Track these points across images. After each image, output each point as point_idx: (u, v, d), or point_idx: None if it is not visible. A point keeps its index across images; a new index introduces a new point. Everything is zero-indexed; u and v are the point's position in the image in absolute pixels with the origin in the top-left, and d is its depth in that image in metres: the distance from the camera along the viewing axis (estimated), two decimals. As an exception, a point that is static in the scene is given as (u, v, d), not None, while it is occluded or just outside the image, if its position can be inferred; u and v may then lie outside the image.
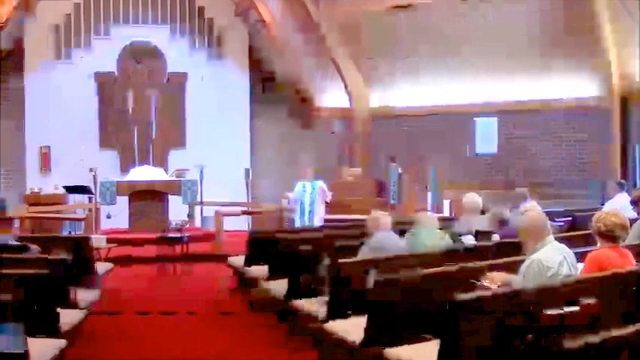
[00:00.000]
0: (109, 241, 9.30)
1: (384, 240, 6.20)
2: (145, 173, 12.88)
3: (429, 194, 12.89)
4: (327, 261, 6.07)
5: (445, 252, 6.03)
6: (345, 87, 15.64)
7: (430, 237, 6.39)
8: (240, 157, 15.35)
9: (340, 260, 5.53)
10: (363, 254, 6.12)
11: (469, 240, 6.98)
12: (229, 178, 14.73)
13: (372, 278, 4.97)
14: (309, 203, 11.63)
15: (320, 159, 16.19)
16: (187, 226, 11.08)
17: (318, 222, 11.28)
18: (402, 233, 6.68)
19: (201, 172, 13.05)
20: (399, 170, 13.35)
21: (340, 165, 15.67)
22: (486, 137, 14.59)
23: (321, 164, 16.01)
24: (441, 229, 6.57)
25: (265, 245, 7.70)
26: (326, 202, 11.93)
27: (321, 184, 11.82)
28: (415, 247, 6.30)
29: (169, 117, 15.36)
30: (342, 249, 6.47)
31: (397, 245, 6.26)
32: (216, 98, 15.34)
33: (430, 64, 14.57)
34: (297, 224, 11.46)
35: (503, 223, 6.69)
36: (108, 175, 13.04)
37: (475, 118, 14.66)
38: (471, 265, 5.16)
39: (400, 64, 14.96)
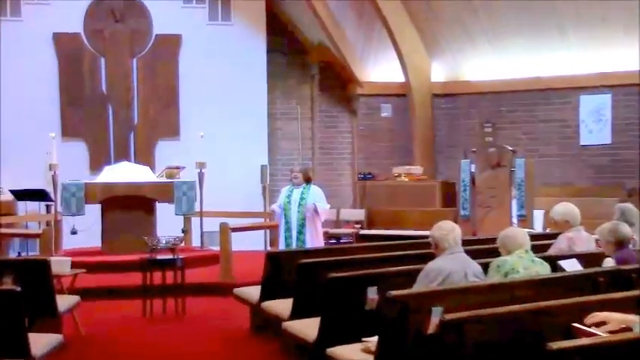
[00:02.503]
0: (74, 265, 9.32)
1: (452, 264, 6.14)
2: (123, 173, 12.96)
3: (514, 202, 12.76)
4: (373, 293, 6.03)
5: (539, 282, 5.95)
6: (399, 55, 15.57)
7: (520, 261, 6.31)
8: (254, 150, 15.39)
9: (392, 292, 5.48)
10: (423, 284, 6.07)
11: (572, 266, 6.88)
12: (239, 179, 14.76)
13: (435, 318, 4.92)
14: (297, 220, 10.78)
15: (364, 152, 16.16)
16: (182, 244, 11.09)
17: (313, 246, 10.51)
18: (476, 255, 6.62)
19: (201, 171, 13.09)
20: (473, 169, 13.24)
21: (391, 161, 15.61)
22: (596, 121, 14.41)
23: (366, 159, 16.00)
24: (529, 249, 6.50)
25: (288, 271, 7.67)
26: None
27: (315, 192, 10.84)
28: (498, 274, 6.24)
29: (157, 96, 15.46)
30: (394, 277, 6.45)
31: (471, 272, 6.20)
32: (221, 71, 15.39)
33: (517, 23, 14.44)
34: (281, 247, 10.72)
35: (620, 243, 6.58)
36: (73, 176, 13.10)
37: (580, 95, 14.51)
38: (574, 300, 5.08)
39: (475, 24, 14.85)
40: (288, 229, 10.71)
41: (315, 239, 10.73)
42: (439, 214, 12.59)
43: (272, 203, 14.79)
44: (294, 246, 10.51)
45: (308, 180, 10.86)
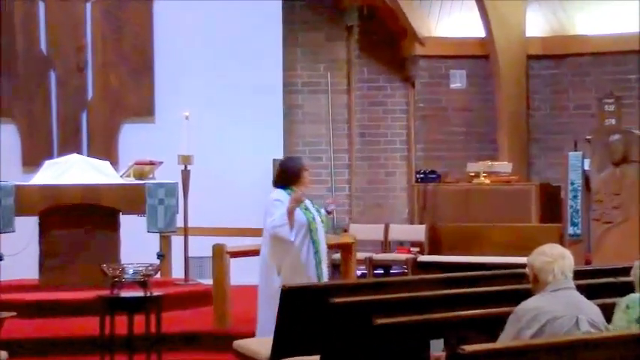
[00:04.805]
0: (0, 306, 9.39)
1: (557, 306, 6.09)
2: (72, 170, 13.00)
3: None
4: (438, 348, 6.00)
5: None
6: (480, 3, 15.54)
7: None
8: (263, 138, 15.43)
9: (466, 347, 5.44)
10: (513, 331, 6.03)
11: None
12: (242, 180, 14.79)
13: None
14: (324, 247, 10.44)
15: (425, 141, 16.16)
16: (158, 276, 11.11)
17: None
18: (592, 293, 6.55)
19: (186, 168, 13.12)
20: (587, 166, 13.20)
21: (465, 154, 15.61)
22: None
23: (428, 151, 15.98)
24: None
25: (311, 315, 7.65)
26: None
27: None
28: (626, 318, 6.19)
29: (122, 58, 15.53)
30: (469, 324, 6.49)
31: (586, 317, 6.14)
32: (215, 22, 15.45)
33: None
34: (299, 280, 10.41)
35: None
36: (-2, 175, 13.24)
37: None
38: None
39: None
40: (319, 262, 10.40)
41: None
42: (536, 233, 12.60)
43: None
44: (315, 278, 10.31)
45: None
